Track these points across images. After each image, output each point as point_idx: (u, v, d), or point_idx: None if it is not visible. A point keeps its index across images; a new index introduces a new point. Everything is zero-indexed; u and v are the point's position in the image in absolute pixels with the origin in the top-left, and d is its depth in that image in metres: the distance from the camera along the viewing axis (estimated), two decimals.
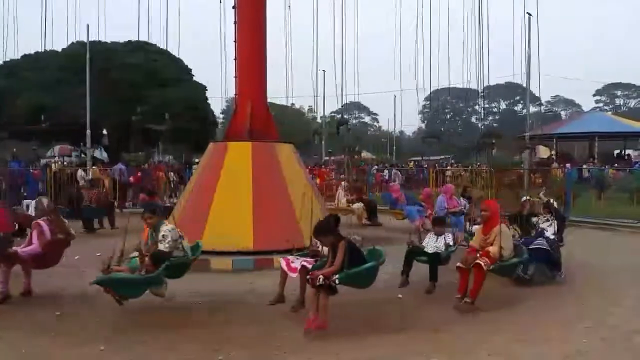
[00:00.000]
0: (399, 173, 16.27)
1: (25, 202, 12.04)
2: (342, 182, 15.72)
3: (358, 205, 13.23)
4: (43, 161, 26.86)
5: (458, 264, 5.92)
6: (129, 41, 29.69)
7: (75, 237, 6.75)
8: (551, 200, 8.85)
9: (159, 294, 5.57)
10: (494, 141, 37.41)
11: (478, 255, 5.82)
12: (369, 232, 11.09)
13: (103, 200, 13.27)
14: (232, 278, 7.48)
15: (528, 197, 9.35)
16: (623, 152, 35.65)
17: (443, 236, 6.81)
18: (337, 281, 4.91)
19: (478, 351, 4.60)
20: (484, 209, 6.26)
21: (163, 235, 5.50)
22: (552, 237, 7.34)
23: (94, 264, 6.59)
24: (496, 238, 5.84)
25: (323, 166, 27.67)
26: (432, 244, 6.76)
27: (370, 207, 13.39)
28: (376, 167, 26.12)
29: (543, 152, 37.77)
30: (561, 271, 7.12)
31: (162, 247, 5.45)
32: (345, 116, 44.04)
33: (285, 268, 5.82)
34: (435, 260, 6.47)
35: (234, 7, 10.14)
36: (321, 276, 4.89)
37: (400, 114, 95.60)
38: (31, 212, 8.60)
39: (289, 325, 5.26)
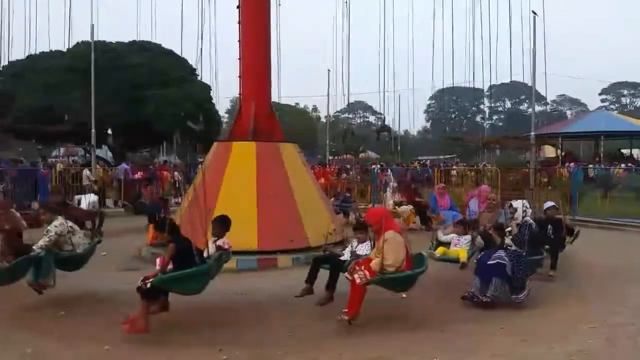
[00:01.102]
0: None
1: (76, 197, 12.44)
2: (391, 182, 14.60)
3: (405, 208, 12.04)
4: (50, 161, 27.03)
5: (345, 274, 5.36)
6: (134, 41, 29.77)
7: (26, 227, 6.79)
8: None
9: (46, 285, 5.82)
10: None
11: (361, 267, 5.22)
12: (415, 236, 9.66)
13: (156, 197, 14.23)
14: (236, 278, 7.49)
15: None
16: (630, 151, 35.50)
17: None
18: (148, 284, 4.84)
19: (482, 351, 4.60)
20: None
21: (47, 230, 5.92)
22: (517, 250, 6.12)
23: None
24: (383, 248, 5.26)
25: (327, 166, 27.64)
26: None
27: (422, 210, 11.95)
28: (378, 166, 26.05)
29: (549, 151, 37.64)
30: (521, 295, 5.84)
31: (41, 241, 5.82)
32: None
33: None
34: (337, 268, 5.64)
35: (238, 7, 10.16)
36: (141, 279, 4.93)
37: (412, 114, 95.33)
38: (83, 206, 9.10)
39: (292, 325, 5.27)
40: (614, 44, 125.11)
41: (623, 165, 23.94)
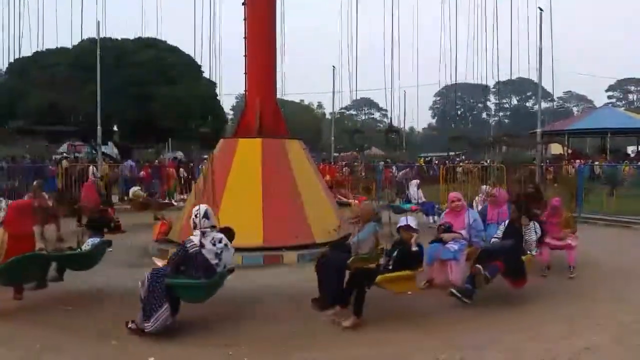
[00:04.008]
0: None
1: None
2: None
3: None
4: (54, 157, 27.18)
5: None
6: (139, 38, 29.82)
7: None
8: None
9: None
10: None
11: None
12: None
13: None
14: (241, 274, 7.50)
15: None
16: (638, 148, 35.30)
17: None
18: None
19: (489, 348, 4.60)
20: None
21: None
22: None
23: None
24: None
25: (332, 162, 27.64)
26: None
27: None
28: (382, 163, 26.04)
29: (555, 149, 37.49)
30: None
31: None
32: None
33: None
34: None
35: (243, 4, 10.16)
36: None
37: (417, 110, 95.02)
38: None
39: (297, 322, 5.28)
40: (622, 40, 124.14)
41: (629, 163, 23.82)
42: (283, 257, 8.40)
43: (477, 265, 5.77)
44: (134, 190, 14.93)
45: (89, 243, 6.43)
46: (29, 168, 17.60)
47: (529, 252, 6.24)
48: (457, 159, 36.43)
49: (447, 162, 28.35)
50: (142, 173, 19.35)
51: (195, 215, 5.16)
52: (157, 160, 26.26)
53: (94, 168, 18.53)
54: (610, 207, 14.46)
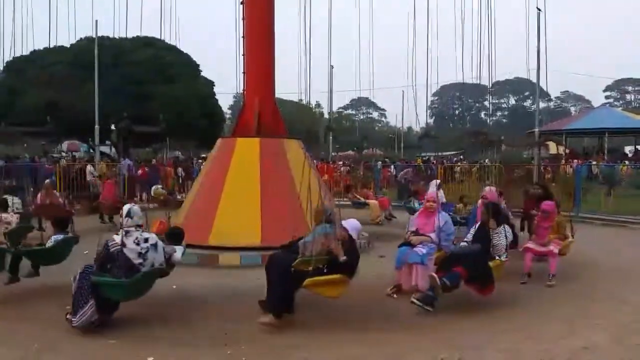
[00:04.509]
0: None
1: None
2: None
3: None
4: (50, 156, 27.06)
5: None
6: (137, 37, 29.74)
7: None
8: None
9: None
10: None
11: None
12: None
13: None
14: (240, 273, 7.51)
15: None
16: (635, 147, 35.37)
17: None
18: None
19: (486, 348, 4.60)
20: None
21: None
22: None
23: None
24: None
25: (331, 162, 27.62)
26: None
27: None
28: (380, 162, 26.00)
29: (552, 148, 37.56)
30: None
31: None
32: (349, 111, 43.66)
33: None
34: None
35: (242, 3, 10.14)
36: None
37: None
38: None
39: (297, 321, 5.28)
40: (620, 40, 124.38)
41: (627, 163, 23.86)
42: None
43: (432, 274, 5.49)
44: (156, 188, 15.09)
45: (52, 240, 6.55)
46: (25, 167, 17.51)
47: (497, 257, 5.86)
48: (455, 159, 36.45)
49: (444, 161, 28.39)
50: (139, 172, 19.30)
51: (120, 215, 5.26)
52: (154, 160, 26.17)
53: (92, 167, 18.51)
54: (608, 207, 14.50)
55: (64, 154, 31.60)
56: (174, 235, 5.93)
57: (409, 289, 5.95)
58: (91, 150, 28.93)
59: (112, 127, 24.48)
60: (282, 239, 8.45)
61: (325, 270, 5.03)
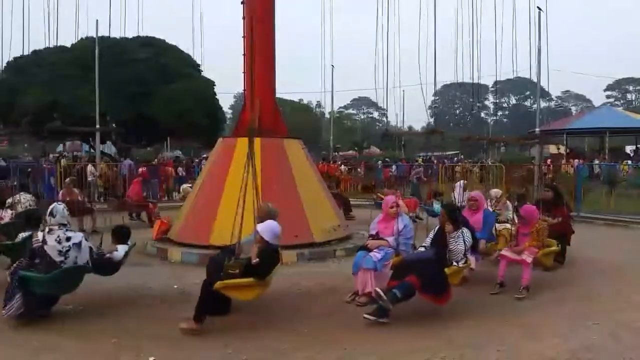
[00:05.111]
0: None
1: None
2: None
3: None
4: (51, 156, 27.10)
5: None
6: (138, 36, 29.73)
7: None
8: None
9: None
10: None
11: None
12: None
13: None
14: None
15: None
16: (636, 147, 35.35)
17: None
18: None
19: (487, 346, 4.60)
20: None
21: None
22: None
23: None
24: None
25: (331, 161, 27.62)
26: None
27: None
28: (380, 162, 26.02)
29: (552, 148, 37.50)
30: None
31: None
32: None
33: None
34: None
35: (242, 3, 10.13)
36: None
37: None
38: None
39: (297, 320, 5.29)
40: (621, 40, 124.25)
41: (629, 162, 23.84)
42: (282, 256, 8.37)
43: (376, 289, 5.17)
44: (185, 187, 15.30)
45: (20, 237, 6.68)
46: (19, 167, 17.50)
47: (454, 263, 5.49)
48: (455, 159, 36.45)
49: (445, 161, 28.39)
50: (140, 171, 19.28)
51: (46, 213, 5.43)
52: (155, 160, 26.19)
53: (92, 167, 18.51)
54: (609, 207, 14.49)
55: (66, 154, 31.61)
56: (118, 234, 6.08)
57: (363, 295, 5.71)
58: (92, 150, 28.93)
59: (113, 126, 24.55)
60: (283, 238, 8.49)
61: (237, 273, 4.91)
